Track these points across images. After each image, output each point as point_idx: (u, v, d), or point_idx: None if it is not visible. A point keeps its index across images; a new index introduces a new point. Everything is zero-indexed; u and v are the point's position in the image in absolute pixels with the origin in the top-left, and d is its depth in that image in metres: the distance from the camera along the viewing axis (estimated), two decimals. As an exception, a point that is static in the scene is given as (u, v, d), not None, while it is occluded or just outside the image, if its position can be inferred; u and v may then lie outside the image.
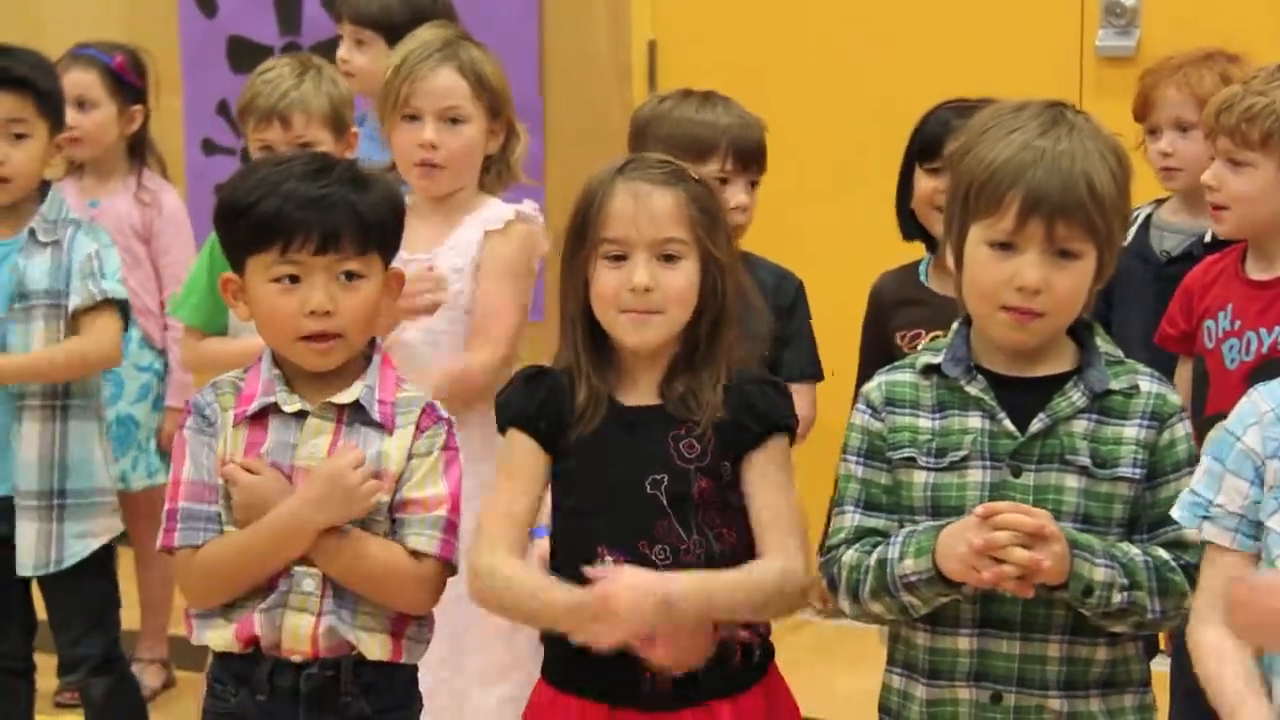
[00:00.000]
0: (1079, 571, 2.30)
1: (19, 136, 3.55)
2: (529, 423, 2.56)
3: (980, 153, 2.38)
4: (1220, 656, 2.29)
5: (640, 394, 2.55)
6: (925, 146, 3.23)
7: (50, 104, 3.61)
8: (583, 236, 2.53)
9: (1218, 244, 3.34)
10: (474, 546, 2.57)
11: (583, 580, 2.46)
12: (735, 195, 3.23)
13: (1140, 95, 3.54)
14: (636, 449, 2.51)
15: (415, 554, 2.57)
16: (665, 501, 2.49)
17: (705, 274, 2.53)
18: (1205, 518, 2.30)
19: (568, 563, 2.53)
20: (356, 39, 4.25)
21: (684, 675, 2.48)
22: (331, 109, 3.62)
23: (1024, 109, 2.40)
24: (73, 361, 3.56)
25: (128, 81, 4.41)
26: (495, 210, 3.37)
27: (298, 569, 2.56)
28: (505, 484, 2.58)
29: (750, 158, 3.27)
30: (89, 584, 3.61)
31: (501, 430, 2.61)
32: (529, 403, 2.57)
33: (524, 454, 2.57)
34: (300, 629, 2.57)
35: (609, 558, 2.48)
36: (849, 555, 2.44)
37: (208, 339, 3.54)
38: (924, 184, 3.23)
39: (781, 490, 2.54)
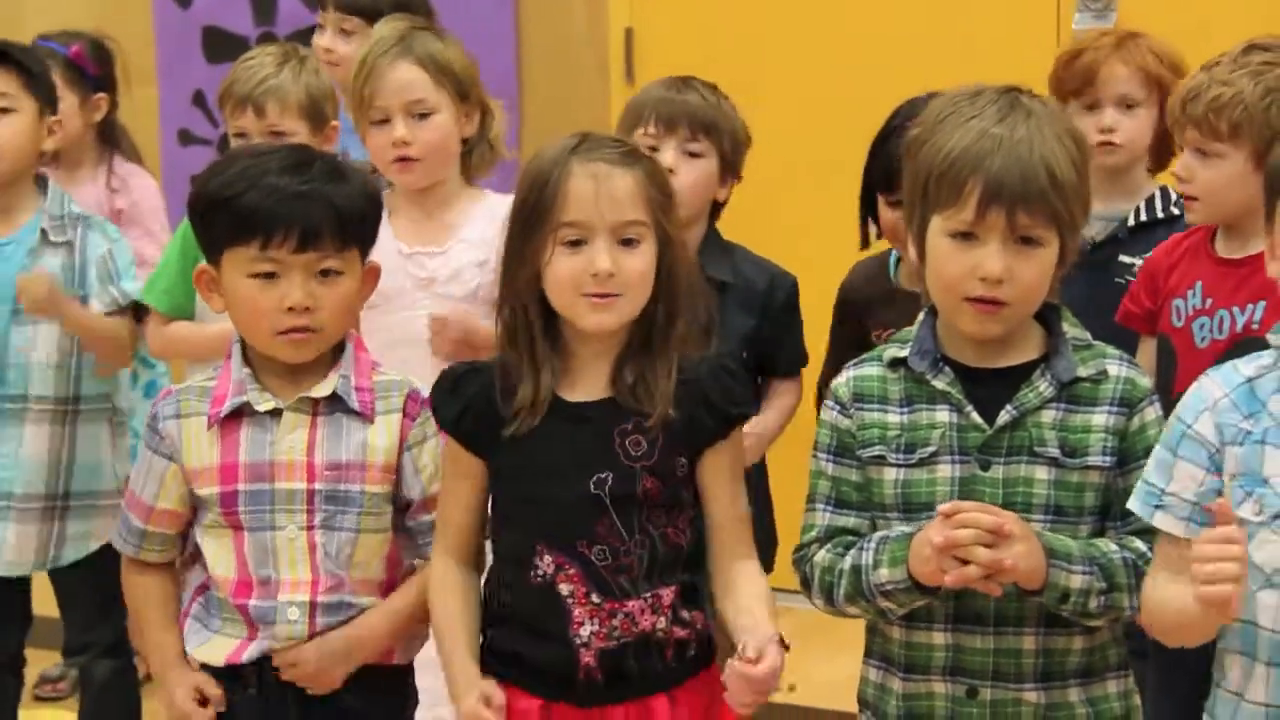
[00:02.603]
0: (1055, 581, 2.29)
1: (4, 110, 3.50)
2: (453, 427, 2.51)
3: (938, 142, 2.34)
4: (1162, 593, 2.26)
5: (589, 387, 2.47)
6: (885, 176, 3.10)
7: (38, 83, 3.57)
8: (537, 220, 2.42)
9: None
10: (433, 547, 2.57)
11: (521, 577, 2.45)
12: (663, 158, 3.18)
13: (1077, 70, 3.49)
14: (580, 446, 2.44)
15: None
16: (608, 501, 2.43)
17: (661, 256, 2.45)
18: (1158, 506, 2.26)
19: (506, 561, 2.51)
20: (341, 27, 4.22)
21: (615, 670, 2.45)
22: (309, 100, 3.59)
23: (980, 95, 2.37)
24: (108, 341, 3.54)
25: (87, 71, 4.35)
26: (503, 201, 3.35)
27: (282, 599, 2.56)
28: (447, 487, 2.56)
29: (674, 120, 3.24)
30: (101, 572, 3.54)
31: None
32: (452, 407, 2.51)
33: (456, 458, 2.53)
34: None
35: (547, 556, 2.45)
36: (821, 556, 2.43)
37: (174, 324, 3.54)
38: (888, 215, 3.14)
39: (740, 485, 2.50)
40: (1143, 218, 3.40)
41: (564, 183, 2.41)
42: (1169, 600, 2.23)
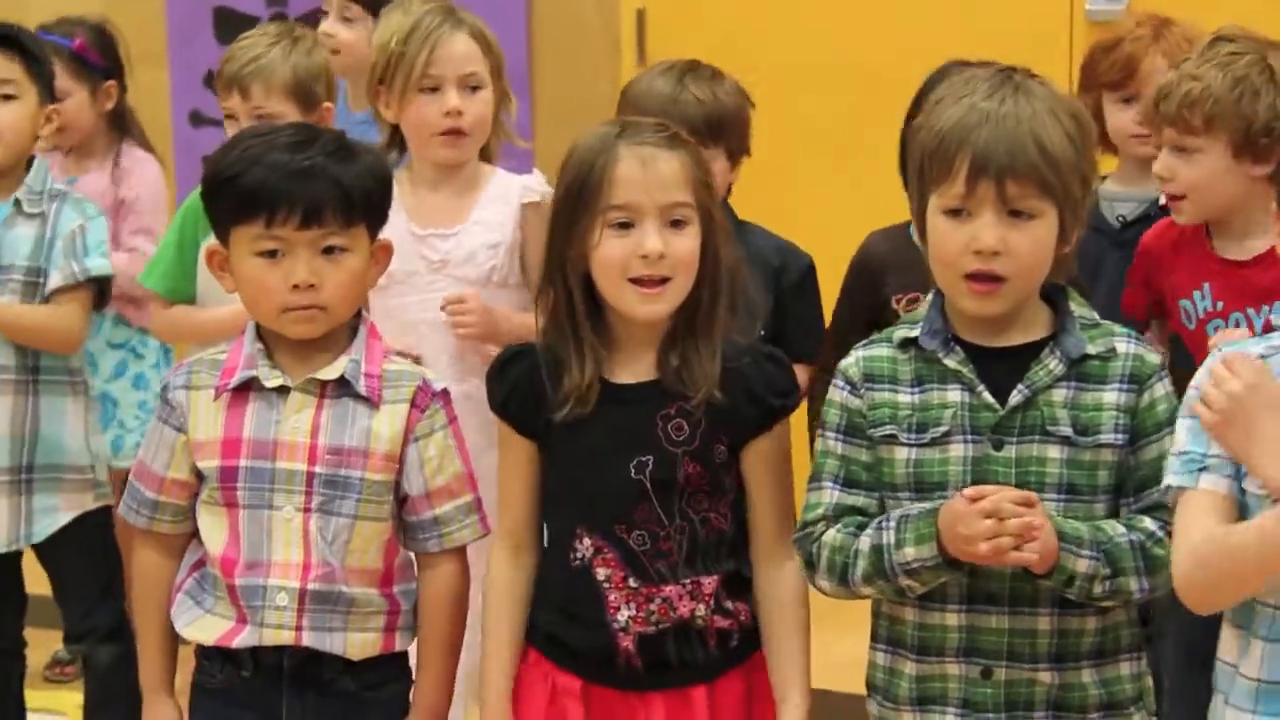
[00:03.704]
0: (1063, 564, 2.28)
1: (7, 97, 3.49)
2: (501, 408, 2.54)
3: (931, 123, 2.36)
4: (1209, 536, 2.22)
5: (634, 369, 2.49)
6: None
7: (39, 71, 3.56)
8: (584, 205, 2.44)
9: None
10: (496, 532, 2.60)
11: (562, 558, 2.47)
12: None
13: (1116, 62, 3.46)
14: (623, 429, 2.46)
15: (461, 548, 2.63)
16: (649, 485, 2.44)
17: (705, 239, 2.47)
18: (1202, 469, 2.23)
19: (551, 544, 2.53)
20: (344, 15, 4.21)
21: (655, 656, 2.46)
22: (294, 81, 3.55)
23: (975, 76, 2.38)
24: (34, 330, 3.46)
25: (92, 62, 4.31)
26: (514, 182, 3.34)
27: (271, 582, 2.55)
28: (502, 468, 2.58)
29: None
30: (92, 553, 3.58)
31: None
32: (500, 389, 2.54)
33: (508, 440, 2.56)
34: (281, 636, 2.56)
35: (587, 539, 2.47)
36: (831, 535, 2.42)
37: (175, 306, 3.53)
38: None
39: (782, 481, 2.52)
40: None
41: (611, 166, 2.43)
42: (1231, 531, 2.18)
